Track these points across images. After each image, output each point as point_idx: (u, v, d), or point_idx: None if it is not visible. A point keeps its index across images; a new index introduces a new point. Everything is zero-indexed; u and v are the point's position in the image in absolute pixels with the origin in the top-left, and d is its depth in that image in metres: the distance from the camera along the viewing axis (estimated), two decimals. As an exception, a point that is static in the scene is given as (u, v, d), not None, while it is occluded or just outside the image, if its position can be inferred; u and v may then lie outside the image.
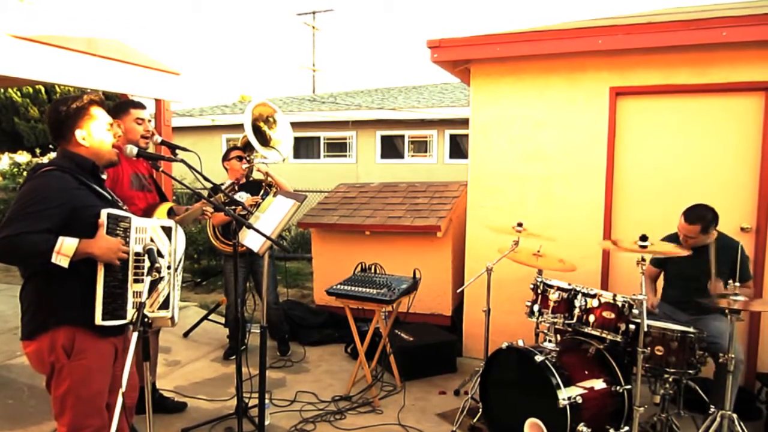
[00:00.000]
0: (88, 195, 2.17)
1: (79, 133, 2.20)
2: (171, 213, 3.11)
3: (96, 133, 2.24)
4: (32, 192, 2.07)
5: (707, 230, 3.34)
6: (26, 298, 2.18)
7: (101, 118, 2.28)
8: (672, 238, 3.56)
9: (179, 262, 2.36)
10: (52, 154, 15.06)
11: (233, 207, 3.63)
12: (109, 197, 2.28)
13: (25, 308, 2.18)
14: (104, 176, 2.34)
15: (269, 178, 4.35)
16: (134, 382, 2.43)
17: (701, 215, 3.34)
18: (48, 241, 1.99)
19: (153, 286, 2.18)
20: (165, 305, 2.24)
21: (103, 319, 2.09)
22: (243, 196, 4.07)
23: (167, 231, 2.29)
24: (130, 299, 2.14)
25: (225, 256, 4.48)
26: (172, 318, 2.31)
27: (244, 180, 4.44)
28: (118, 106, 3.19)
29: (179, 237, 2.35)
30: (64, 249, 2.00)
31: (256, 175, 4.48)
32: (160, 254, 2.24)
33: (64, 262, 2.00)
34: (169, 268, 2.22)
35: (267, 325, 3.09)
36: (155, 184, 3.32)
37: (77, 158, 2.21)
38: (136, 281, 2.15)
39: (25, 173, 11.87)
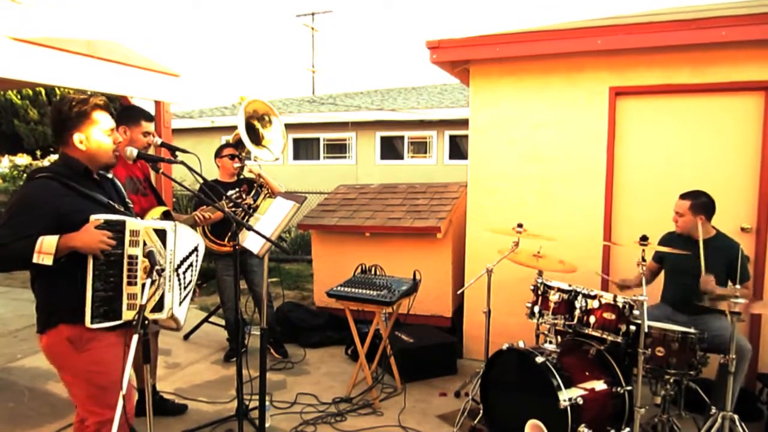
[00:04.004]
0: (77, 200, 2.18)
1: (77, 137, 2.22)
2: (168, 218, 3.10)
3: (94, 138, 2.25)
4: (19, 201, 2.14)
5: (697, 211, 3.35)
6: (36, 295, 2.26)
7: (103, 122, 2.28)
8: (670, 237, 3.56)
9: (181, 262, 2.34)
10: (53, 157, 15.06)
11: (233, 209, 3.63)
12: (105, 200, 2.27)
13: (36, 304, 2.26)
14: (110, 174, 2.39)
15: (261, 179, 4.35)
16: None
17: (694, 194, 3.39)
18: (28, 245, 2.03)
19: (143, 288, 2.16)
20: (159, 307, 2.23)
21: (92, 322, 2.11)
22: (231, 193, 4.07)
23: (160, 233, 2.24)
24: (125, 301, 2.15)
25: (216, 256, 4.45)
26: (176, 320, 2.32)
27: (235, 179, 4.44)
28: (131, 113, 3.20)
29: (181, 237, 2.34)
30: (45, 247, 2.02)
31: (248, 175, 4.47)
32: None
33: (48, 260, 2.02)
34: (163, 270, 2.19)
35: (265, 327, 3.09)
36: (152, 189, 3.31)
37: (71, 162, 2.24)
38: (129, 283, 2.16)
39: (24, 176, 11.88)
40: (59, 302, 2.17)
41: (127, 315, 2.15)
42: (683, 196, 3.43)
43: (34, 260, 2.01)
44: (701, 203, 3.36)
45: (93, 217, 2.12)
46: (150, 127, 3.20)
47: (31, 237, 2.03)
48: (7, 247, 2.02)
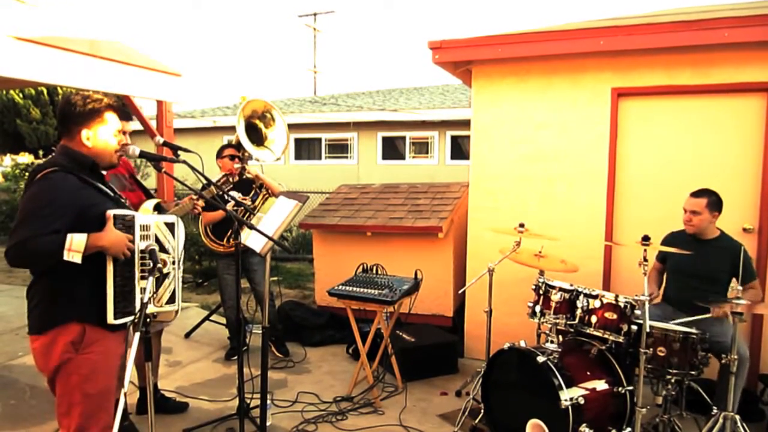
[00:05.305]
0: (93, 194, 2.18)
1: (85, 133, 2.21)
2: (160, 209, 3.09)
3: (102, 137, 2.25)
4: (39, 195, 2.08)
5: (713, 208, 3.35)
6: (36, 295, 2.19)
7: (112, 123, 2.29)
8: (674, 236, 3.56)
9: (180, 255, 2.39)
10: (54, 156, 15.05)
11: (235, 208, 3.62)
12: (112, 194, 2.29)
13: (34, 304, 2.18)
14: (104, 172, 2.37)
15: (260, 180, 4.34)
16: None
17: (708, 192, 3.39)
18: (58, 240, 2.00)
19: (160, 282, 2.23)
20: (172, 300, 2.31)
21: (116, 318, 2.12)
22: (235, 196, 4.05)
23: (170, 226, 2.33)
24: (138, 296, 2.16)
25: (217, 255, 4.46)
26: (176, 311, 2.34)
27: (237, 178, 4.42)
28: None
29: (180, 231, 2.39)
30: (75, 245, 2.01)
31: (249, 176, 4.45)
32: (164, 250, 2.27)
33: (77, 258, 2.02)
34: (174, 263, 2.25)
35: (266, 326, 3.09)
36: (138, 183, 3.32)
37: (77, 156, 2.21)
38: (142, 278, 2.18)
39: (26, 175, 11.85)
40: (73, 297, 2.13)
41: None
42: (697, 194, 3.40)
43: (65, 257, 1.99)
44: (715, 201, 3.37)
45: (109, 212, 2.13)
46: (127, 125, 3.18)
47: (58, 232, 2.01)
48: (36, 240, 1.98)
